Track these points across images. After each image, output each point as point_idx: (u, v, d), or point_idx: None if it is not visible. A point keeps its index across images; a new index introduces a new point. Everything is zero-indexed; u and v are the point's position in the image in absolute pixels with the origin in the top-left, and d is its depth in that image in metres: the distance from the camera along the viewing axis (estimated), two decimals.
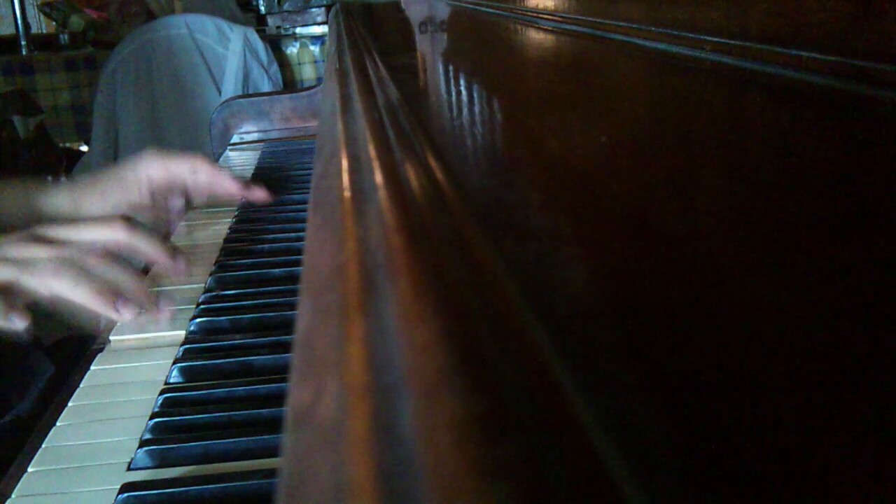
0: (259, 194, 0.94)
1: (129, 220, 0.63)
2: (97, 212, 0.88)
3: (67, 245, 0.58)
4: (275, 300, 0.67)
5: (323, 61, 2.41)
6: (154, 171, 0.89)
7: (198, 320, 0.64)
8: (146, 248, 0.63)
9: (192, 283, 0.73)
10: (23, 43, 2.82)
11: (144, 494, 0.44)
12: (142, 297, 0.60)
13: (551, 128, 0.45)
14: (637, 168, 0.34)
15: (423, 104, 0.60)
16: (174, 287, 0.72)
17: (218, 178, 0.92)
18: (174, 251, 0.65)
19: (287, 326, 0.61)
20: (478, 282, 0.23)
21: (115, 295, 0.57)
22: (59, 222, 0.62)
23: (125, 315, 0.57)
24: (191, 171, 0.91)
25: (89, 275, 0.56)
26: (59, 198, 0.89)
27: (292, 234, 0.83)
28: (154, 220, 0.89)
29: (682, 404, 0.17)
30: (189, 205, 0.94)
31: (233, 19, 2.46)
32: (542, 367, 0.18)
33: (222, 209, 0.97)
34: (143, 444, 0.48)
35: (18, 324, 0.56)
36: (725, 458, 0.15)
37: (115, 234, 0.61)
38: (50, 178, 2.41)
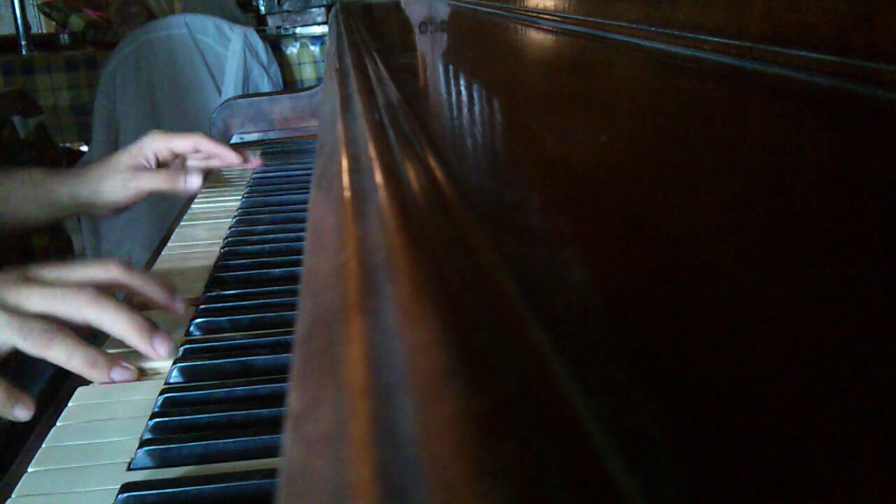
0: (256, 163, 1.05)
1: (124, 262, 0.62)
2: (116, 193, 0.91)
3: (59, 295, 0.57)
4: (275, 300, 0.67)
5: (323, 61, 2.41)
6: (159, 148, 0.94)
7: (198, 320, 0.64)
8: (142, 288, 0.62)
9: (192, 284, 0.73)
10: (23, 43, 2.82)
11: (144, 494, 0.44)
12: (139, 347, 0.58)
13: (551, 128, 0.45)
14: (637, 168, 0.34)
15: (423, 104, 0.60)
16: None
17: (219, 152, 0.99)
18: (171, 290, 0.64)
19: (287, 326, 0.61)
20: (478, 282, 0.23)
21: (109, 360, 0.56)
22: (51, 265, 0.61)
23: (118, 377, 0.57)
24: (193, 148, 0.97)
25: (83, 344, 0.56)
26: (73, 185, 0.91)
27: (292, 234, 0.83)
28: (170, 190, 0.93)
29: (683, 404, 0.17)
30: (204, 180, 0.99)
31: (233, 19, 2.46)
32: (542, 367, 0.18)
33: (222, 209, 0.98)
34: (143, 444, 0.48)
35: (21, 415, 0.54)
36: (726, 458, 0.15)
37: (110, 275, 0.61)
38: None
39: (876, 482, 0.14)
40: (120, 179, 0.91)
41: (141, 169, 0.92)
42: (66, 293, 0.57)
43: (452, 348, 0.19)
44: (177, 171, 0.93)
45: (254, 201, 0.99)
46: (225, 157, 1.00)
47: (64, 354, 0.55)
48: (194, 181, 0.93)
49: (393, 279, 0.24)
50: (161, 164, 0.95)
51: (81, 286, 0.58)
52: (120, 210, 0.94)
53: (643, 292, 0.23)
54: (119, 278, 0.61)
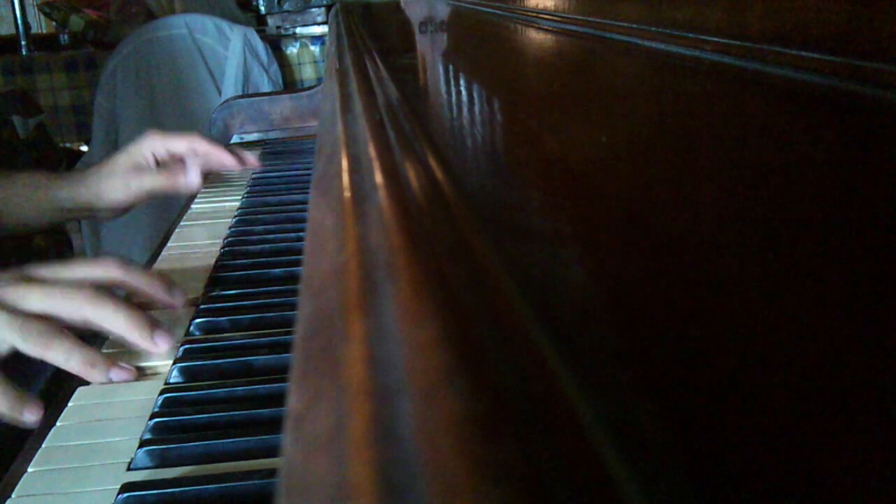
0: (252, 161, 1.04)
1: (121, 260, 0.62)
2: (117, 193, 0.92)
3: (58, 294, 0.57)
4: (275, 300, 0.67)
5: (323, 61, 2.41)
6: (156, 148, 0.95)
7: (198, 320, 0.64)
8: (141, 285, 0.62)
9: (192, 284, 0.73)
10: (23, 43, 2.82)
11: (144, 494, 0.44)
12: (140, 344, 0.58)
13: (551, 128, 0.45)
14: (637, 168, 0.34)
15: (423, 104, 0.60)
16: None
17: (215, 153, 0.99)
18: (170, 286, 0.64)
19: (287, 326, 0.61)
20: (477, 282, 0.23)
21: (108, 360, 0.56)
22: (50, 264, 0.61)
23: (116, 377, 0.57)
24: (189, 149, 0.97)
25: (82, 345, 0.56)
26: (74, 188, 0.91)
27: (292, 234, 0.83)
28: (171, 191, 0.94)
29: (682, 404, 0.17)
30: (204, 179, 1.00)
31: (233, 19, 2.46)
32: (541, 367, 0.18)
33: (222, 209, 0.98)
34: (143, 444, 0.48)
35: (29, 419, 0.54)
36: (725, 458, 0.15)
37: (108, 273, 0.61)
38: None
39: (875, 482, 0.14)
40: (120, 180, 0.92)
41: (141, 168, 0.93)
42: (65, 292, 0.57)
43: (452, 348, 0.19)
44: (177, 170, 0.94)
45: (254, 201, 0.99)
46: (221, 159, 1.00)
47: (62, 355, 0.55)
48: (194, 180, 0.94)
49: (393, 279, 0.24)
50: (159, 165, 0.95)
51: (80, 285, 0.58)
52: (121, 212, 0.96)
53: (643, 293, 0.23)
54: (118, 276, 0.61)
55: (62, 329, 0.56)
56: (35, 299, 0.56)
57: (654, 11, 0.50)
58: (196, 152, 0.98)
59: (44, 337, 0.55)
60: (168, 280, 0.64)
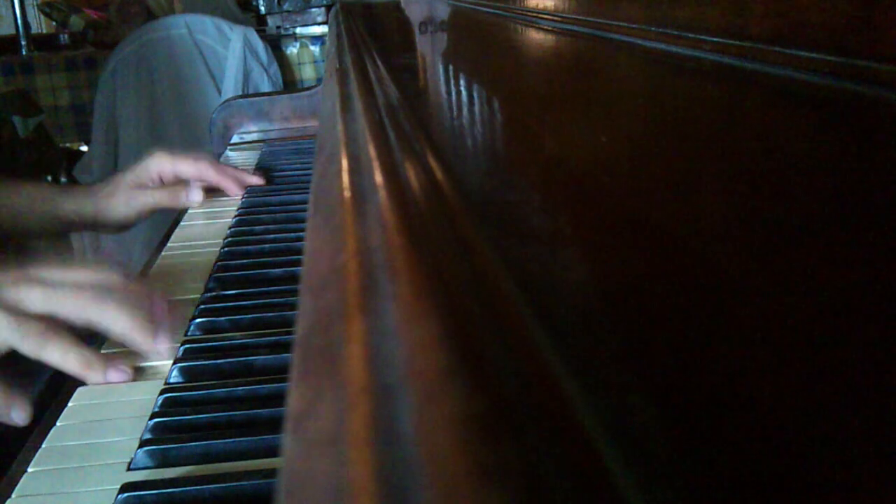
0: (256, 181, 1.04)
1: (123, 270, 0.63)
2: (119, 210, 0.94)
3: (61, 295, 0.57)
4: (275, 300, 0.67)
5: (323, 61, 2.41)
6: (164, 169, 0.96)
7: (198, 320, 0.64)
8: (139, 293, 0.62)
9: (192, 284, 0.73)
10: (23, 43, 2.82)
11: (144, 494, 0.44)
12: (142, 345, 0.58)
13: (551, 128, 0.45)
14: (637, 168, 0.34)
15: (423, 104, 0.60)
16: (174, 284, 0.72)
17: (223, 183, 1.00)
18: (164, 300, 0.64)
19: (287, 326, 0.61)
20: (478, 282, 0.23)
21: (105, 360, 0.56)
22: (51, 265, 0.61)
23: (114, 378, 0.57)
24: (196, 173, 0.98)
25: (79, 345, 0.56)
26: (80, 203, 0.93)
27: (292, 234, 0.83)
28: (173, 206, 0.96)
29: (683, 405, 0.17)
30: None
31: (233, 19, 2.45)
32: (541, 367, 0.18)
33: (222, 209, 0.98)
34: (143, 444, 0.48)
35: (18, 419, 0.54)
36: (726, 459, 0.15)
37: (110, 282, 0.61)
38: (49, 178, 2.42)
39: (875, 483, 0.14)
40: (123, 197, 0.94)
41: (144, 187, 0.95)
42: (68, 292, 0.57)
43: (452, 348, 0.19)
44: (178, 187, 0.96)
45: (254, 201, 0.99)
46: (226, 186, 1.01)
47: (59, 355, 0.55)
48: (195, 197, 0.96)
49: (393, 279, 0.24)
50: (164, 185, 0.97)
51: (82, 285, 0.58)
52: (124, 228, 0.97)
53: (643, 292, 0.23)
54: (118, 286, 0.61)
55: (60, 329, 0.56)
56: (37, 299, 0.56)
57: (654, 11, 0.50)
58: (203, 177, 0.99)
59: (41, 336, 0.55)
60: (165, 303, 0.64)
